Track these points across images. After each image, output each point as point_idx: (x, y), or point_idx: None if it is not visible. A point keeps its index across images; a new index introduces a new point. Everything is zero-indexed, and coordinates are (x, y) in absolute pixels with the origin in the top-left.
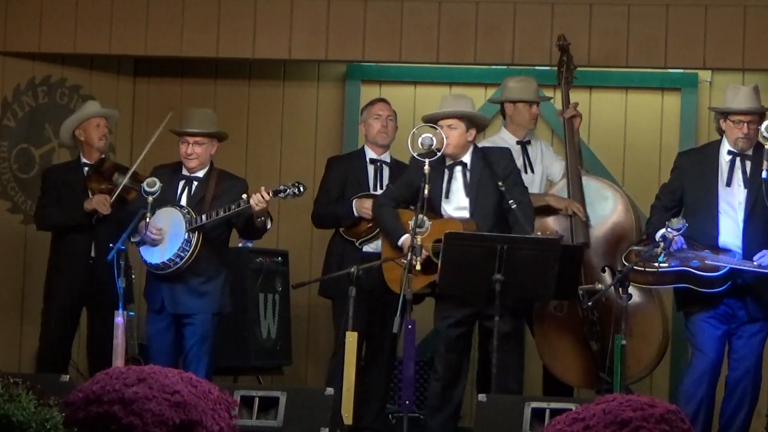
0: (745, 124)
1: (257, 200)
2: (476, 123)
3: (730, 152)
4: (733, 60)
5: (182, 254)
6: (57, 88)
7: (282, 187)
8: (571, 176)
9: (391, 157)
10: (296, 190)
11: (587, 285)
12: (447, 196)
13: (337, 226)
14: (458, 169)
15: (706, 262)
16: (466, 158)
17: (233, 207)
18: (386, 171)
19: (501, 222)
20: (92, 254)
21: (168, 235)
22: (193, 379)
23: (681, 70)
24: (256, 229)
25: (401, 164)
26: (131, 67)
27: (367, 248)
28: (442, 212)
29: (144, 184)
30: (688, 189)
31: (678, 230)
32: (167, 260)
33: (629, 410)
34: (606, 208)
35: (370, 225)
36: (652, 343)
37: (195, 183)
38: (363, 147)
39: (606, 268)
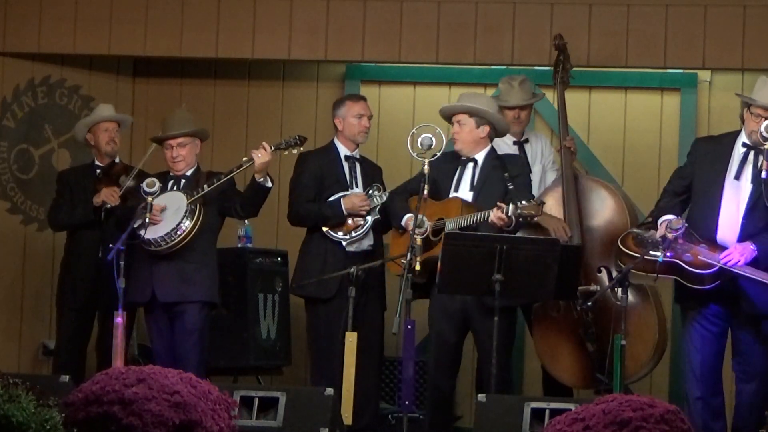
0: (765, 120)
1: (261, 153)
2: (488, 120)
3: (745, 144)
4: (733, 60)
5: (184, 226)
6: (56, 88)
7: (283, 141)
8: (567, 204)
9: (359, 154)
10: (296, 141)
11: (583, 286)
12: (456, 191)
13: (321, 226)
14: (470, 165)
15: (699, 257)
16: (479, 156)
17: (234, 169)
18: (359, 168)
19: None
20: (100, 255)
21: (169, 211)
22: (192, 380)
23: (680, 70)
24: (257, 191)
25: (371, 162)
26: (130, 67)
27: (350, 248)
28: None
29: (143, 185)
30: (697, 177)
31: (677, 231)
32: (170, 231)
33: (629, 410)
34: (602, 209)
35: (361, 223)
36: (648, 342)
37: (183, 180)
38: (333, 142)
39: (602, 269)
